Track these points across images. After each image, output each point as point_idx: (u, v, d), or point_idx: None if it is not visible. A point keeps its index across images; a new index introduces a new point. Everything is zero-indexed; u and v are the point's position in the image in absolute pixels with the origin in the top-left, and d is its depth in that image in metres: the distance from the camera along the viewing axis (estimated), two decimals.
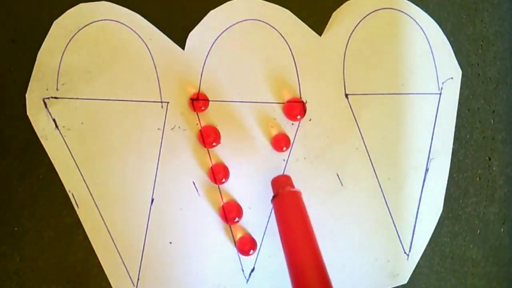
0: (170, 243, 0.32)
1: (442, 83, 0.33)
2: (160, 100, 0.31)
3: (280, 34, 0.32)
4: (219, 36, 0.32)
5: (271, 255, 0.32)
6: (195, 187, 0.32)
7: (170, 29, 0.31)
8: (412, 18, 0.33)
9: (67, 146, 0.31)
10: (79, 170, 0.31)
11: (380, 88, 0.33)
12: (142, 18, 0.31)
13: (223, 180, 0.32)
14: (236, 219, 0.32)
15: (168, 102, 0.32)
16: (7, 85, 0.31)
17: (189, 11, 0.31)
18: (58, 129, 0.31)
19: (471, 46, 0.34)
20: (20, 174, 0.31)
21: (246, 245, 0.32)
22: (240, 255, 0.32)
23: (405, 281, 0.34)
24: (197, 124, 0.32)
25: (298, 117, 0.32)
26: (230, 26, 0.32)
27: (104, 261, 0.31)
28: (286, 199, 0.28)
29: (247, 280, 0.32)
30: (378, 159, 0.33)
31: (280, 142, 0.32)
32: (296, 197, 0.29)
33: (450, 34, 0.34)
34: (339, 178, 0.33)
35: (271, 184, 0.30)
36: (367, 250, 0.33)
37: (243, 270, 0.32)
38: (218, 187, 0.32)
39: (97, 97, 0.31)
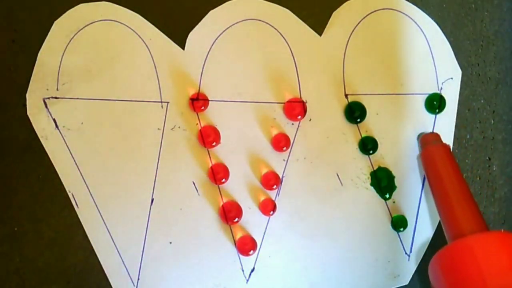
0: (170, 243, 0.32)
1: (442, 83, 0.33)
2: (160, 100, 0.31)
3: (280, 34, 0.32)
4: (219, 36, 0.32)
5: (271, 255, 0.32)
6: (195, 187, 0.32)
7: (170, 29, 0.31)
8: (411, 18, 0.33)
9: (67, 146, 0.31)
10: (79, 170, 0.31)
11: (380, 88, 0.33)
12: (142, 18, 0.31)
13: (223, 180, 0.32)
14: (236, 219, 0.32)
15: (168, 102, 0.32)
16: (7, 85, 0.31)
17: (189, 11, 0.31)
18: (58, 129, 0.31)
19: (471, 46, 0.34)
20: (20, 174, 0.31)
21: (246, 245, 0.32)
22: (240, 255, 0.32)
23: (406, 282, 0.34)
24: (197, 124, 0.32)
25: (298, 117, 0.32)
26: (230, 26, 0.32)
27: (104, 261, 0.31)
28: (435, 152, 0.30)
29: (247, 280, 0.32)
30: (378, 159, 0.33)
31: (280, 142, 0.32)
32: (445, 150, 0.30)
33: (450, 34, 0.34)
34: (339, 178, 0.33)
35: (419, 141, 0.32)
36: (368, 250, 0.33)
37: (243, 270, 0.32)
38: (218, 187, 0.32)
39: (97, 97, 0.31)
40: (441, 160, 0.29)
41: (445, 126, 0.34)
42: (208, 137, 0.31)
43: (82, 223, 0.31)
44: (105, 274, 0.31)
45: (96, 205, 0.31)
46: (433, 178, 0.29)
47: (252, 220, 0.32)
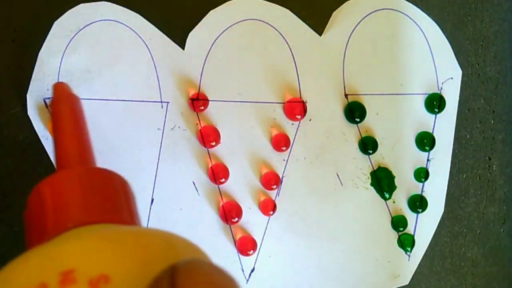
0: None
1: (442, 83, 0.33)
2: (160, 100, 0.31)
3: (280, 34, 0.32)
4: (219, 36, 0.32)
5: (271, 255, 0.32)
6: (195, 187, 0.32)
7: (170, 29, 0.31)
8: (411, 18, 0.33)
9: None
10: None
11: (380, 88, 0.33)
12: (142, 18, 0.31)
13: (223, 180, 0.32)
14: (236, 219, 0.32)
15: (168, 102, 0.32)
16: (7, 85, 0.31)
17: (189, 11, 0.31)
18: None
19: (471, 46, 0.34)
20: (20, 174, 0.31)
21: (246, 245, 0.32)
22: (240, 255, 0.32)
23: (406, 282, 0.34)
24: (197, 124, 0.32)
25: (298, 117, 0.32)
26: (230, 26, 0.32)
27: None
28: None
29: (247, 280, 0.32)
30: (378, 159, 0.33)
31: (280, 142, 0.32)
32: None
33: (450, 34, 0.34)
34: (339, 178, 0.33)
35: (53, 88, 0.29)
36: (368, 250, 0.33)
37: (243, 270, 0.32)
38: (218, 187, 0.32)
39: (97, 97, 0.31)
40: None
41: (445, 126, 0.34)
42: (208, 137, 0.31)
43: None
44: None
45: None
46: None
47: (252, 220, 0.32)
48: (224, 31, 0.32)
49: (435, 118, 0.33)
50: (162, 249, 0.17)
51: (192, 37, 0.32)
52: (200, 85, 0.32)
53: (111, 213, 0.20)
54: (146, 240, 0.17)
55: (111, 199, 0.21)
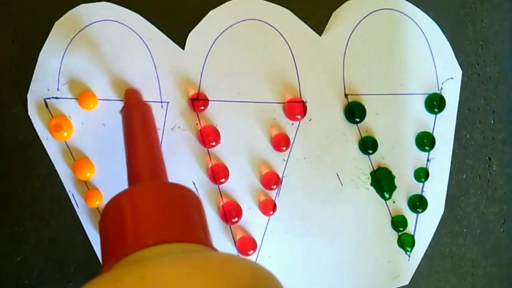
0: None
1: (442, 83, 0.33)
2: (160, 100, 0.31)
3: (280, 34, 0.32)
4: (219, 36, 0.32)
5: (271, 255, 0.32)
6: (195, 187, 0.32)
7: (170, 29, 0.31)
8: (411, 18, 0.33)
9: (68, 146, 0.31)
10: None
11: (380, 88, 0.33)
12: (142, 18, 0.31)
13: (223, 180, 0.32)
14: (236, 219, 0.32)
15: (168, 102, 0.32)
16: (8, 85, 0.31)
17: (189, 11, 0.31)
18: None
19: (471, 46, 0.34)
20: (20, 174, 0.31)
21: (246, 245, 0.32)
22: (240, 255, 0.32)
23: (406, 282, 0.34)
24: (197, 124, 0.32)
25: (298, 117, 0.32)
26: (230, 26, 0.32)
27: None
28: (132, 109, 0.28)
29: None
30: (378, 159, 0.33)
31: (280, 142, 0.32)
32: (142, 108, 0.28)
33: (450, 34, 0.34)
34: (339, 178, 0.33)
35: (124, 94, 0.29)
36: (368, 250, 0.33)
37: None
38: (218, 187, 0.32)
39: (97, 97, 0.31)
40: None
41: (445, 126, 0.34)
42: (208, 137, 0.31)
43: (82, 223, 0.31)
44: None
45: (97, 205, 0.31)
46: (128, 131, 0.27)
47: (252, 220, 0.32)
48: (224, 31, 0.32)
49: (435, 118, 0.33)
50: (247, 277, 0.18)
51: (192, 37, 0.32)
52: (200, 85, 0.32)
53: (188, 231, 0.21)
54: (232, 268, 0.18)
55: (187, 217, 0.21)
